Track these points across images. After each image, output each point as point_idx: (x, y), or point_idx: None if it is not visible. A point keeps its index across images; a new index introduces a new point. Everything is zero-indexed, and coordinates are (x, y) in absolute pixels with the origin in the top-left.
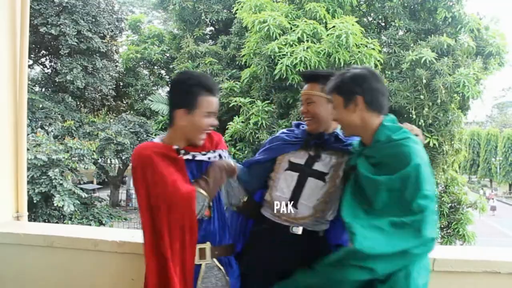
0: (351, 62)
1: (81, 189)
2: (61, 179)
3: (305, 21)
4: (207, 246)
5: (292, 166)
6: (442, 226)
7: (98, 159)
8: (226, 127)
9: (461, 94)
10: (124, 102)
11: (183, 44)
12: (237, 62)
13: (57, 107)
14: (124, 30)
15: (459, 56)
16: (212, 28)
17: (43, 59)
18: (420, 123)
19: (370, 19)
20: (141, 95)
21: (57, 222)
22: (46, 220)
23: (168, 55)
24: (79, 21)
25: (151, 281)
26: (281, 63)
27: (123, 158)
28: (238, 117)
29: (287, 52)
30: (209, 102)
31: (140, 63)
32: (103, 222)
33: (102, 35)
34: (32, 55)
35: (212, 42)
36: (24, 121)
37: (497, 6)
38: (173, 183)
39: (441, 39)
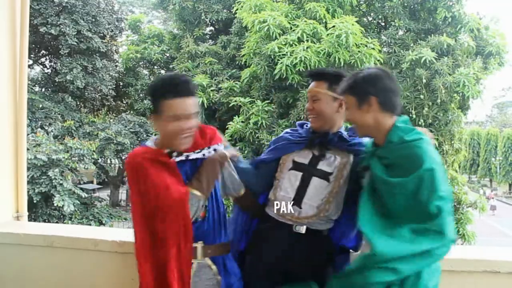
0: (351, 62)
1: (81, 189)
2: (61, 179)
3: (305, 21)
4: (199, 245)
5: (296, 166)
6: None
7: (98, 159)
8: (226, 127)
9: (461, 93)
10: (124, 102)
11: (183, 44)
12: (237, 62)
13: (57, 107)
14: (124, 30)
15: (459, 56)
16: (212, 28)
17: (43, 59)
18: (420, 123)
19: (370, 18)
20: (141, 95)
21: (57, 222)
22: (46, 220)
23: (168, 55)
24: (79, 21)
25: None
26: (281, 63)
27: (123, 158)
28: (238, 117)
29: (287, 52)
30: (172, 105)
31: (140, 63)
32: (103, 222)
33: (102, 35)
34: (32, 55)
35: (212, 42)
36: (24, 121)
37: (497, 6)
38: (165, 190)
39: (441, 39)
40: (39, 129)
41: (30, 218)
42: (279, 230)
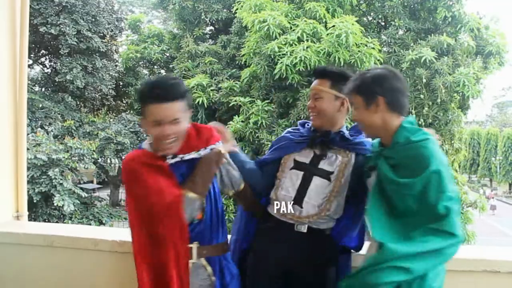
0: (351, 62)
1: (81, 188)
2: (61, 179)
3: (305, 21)
4: (194, 246)
5: (297, 165)
6: None
7: (98, 159)
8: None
9: (461, 93)
10: (124, 101)
11: (183, 44)
12: (237, 62)
13: (57, 107)
14: (123, 30)
15: (459, 56)
16: (212, 27)
17: (43, 59)
18: (420, 123)
19: (370, 18)
20: None
21: (57, 222)
22: (46, 220)
23: (168, 54)
24: (79, 20)
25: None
26: (281, 62)
27: (123, 157)
28: (238, 116)
29: (287, 52)
30: (152, 111)
31: (140, 63)
32: (103, 221)
33: (101, 34)
34: (32, 55)
35: (212, 42)
36: (24, 120)
37: (497, 6)
38: (159, 193)
39: (441, 38)
40: (39, 128)
41: (30, 218)
42: (280, 229)
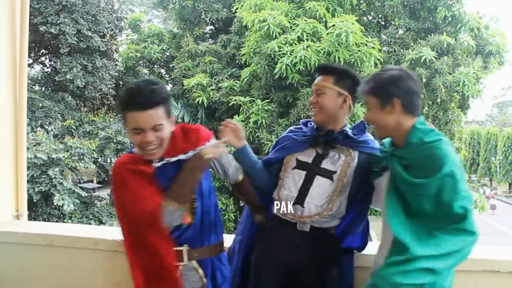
0: (351, 61)
1: (81, 188)
2: (61, 178)
3: (305, 20)
4: (184, 249)
5: (300, 165)
6: None
7: (98, 158)
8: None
9: (461, 93)
10: None
11: (183, 43)
12: (237, 61)
13: (57, 106)
14: (124, 29)
15: (459, 55)
16: (212, 27)
17: (42, 58)
18: None
19: (370, 18)
20: None
21: (57, 221)
22: (46, 219)
23: (168, 54)
24: (79, 20)
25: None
26: (281, 62)
27: None
28: (238, 116)
29: (287, 51)
30: (131, 118)
31: (140, 62)
32: (103, 221)
33: (102, 34)
34: (32, 54)
35: (212, 41)
36: (24, 120)
37: (497, 5)
38: (141, 202)
39: (441, 38)
40: (39, 128)
41: (30, 217)
42: (283, 228)
